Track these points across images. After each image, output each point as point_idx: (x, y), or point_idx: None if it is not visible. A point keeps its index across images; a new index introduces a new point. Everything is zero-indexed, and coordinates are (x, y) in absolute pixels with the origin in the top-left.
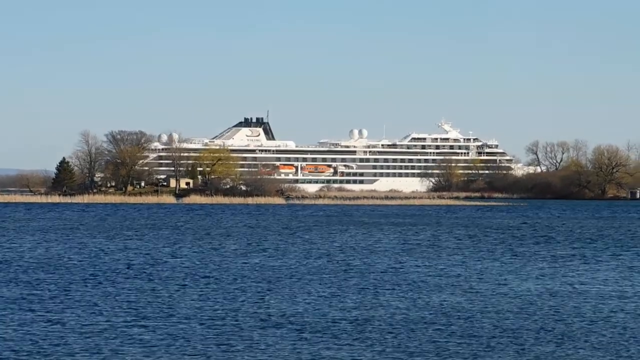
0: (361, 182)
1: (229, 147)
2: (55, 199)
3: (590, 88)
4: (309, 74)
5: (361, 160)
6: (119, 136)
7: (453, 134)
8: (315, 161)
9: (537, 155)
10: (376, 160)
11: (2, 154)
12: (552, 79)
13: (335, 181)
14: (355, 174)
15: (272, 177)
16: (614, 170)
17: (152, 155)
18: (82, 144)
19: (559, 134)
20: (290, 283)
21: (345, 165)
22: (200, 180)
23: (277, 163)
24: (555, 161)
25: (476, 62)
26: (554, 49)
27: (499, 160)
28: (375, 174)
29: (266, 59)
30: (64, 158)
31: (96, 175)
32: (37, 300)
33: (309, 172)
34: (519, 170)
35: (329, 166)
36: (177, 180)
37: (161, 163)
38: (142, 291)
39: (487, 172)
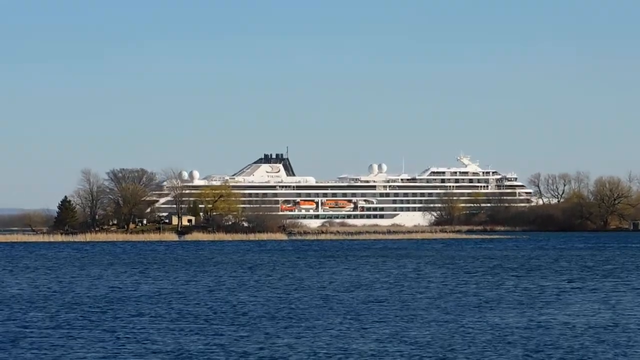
0: (381, 216)
1: (250, 184)
2: (57, 237)
3: (591, 119)
4: (328, 109)
5: (381, 195)
6: (120, 174)
7: (472, 167)
8: (336, 196)
9: (539, 187)
10: (396, 194)
11: (4, 193)
12: (553, 111)
13: (355, 216)
14: (375, 209)
15: (293, 212)
16: (616, 201)
17: (173, 193)
18: (84, 183)
19: (560, 165)
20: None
21: (365, 200)
22: (202, 217)
23: (298, 199)
24: (557, 193)
25: (490, 96)
26: (557, 80)
27: (519, 192)
28: (395, 209)
29: (285, 95)
30: (65, 197)
31: (98, 213)
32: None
33: (329, 207)
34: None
35: (349, 201)
36: (179, 218)
37: (182, 200)
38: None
39: (489, 205)
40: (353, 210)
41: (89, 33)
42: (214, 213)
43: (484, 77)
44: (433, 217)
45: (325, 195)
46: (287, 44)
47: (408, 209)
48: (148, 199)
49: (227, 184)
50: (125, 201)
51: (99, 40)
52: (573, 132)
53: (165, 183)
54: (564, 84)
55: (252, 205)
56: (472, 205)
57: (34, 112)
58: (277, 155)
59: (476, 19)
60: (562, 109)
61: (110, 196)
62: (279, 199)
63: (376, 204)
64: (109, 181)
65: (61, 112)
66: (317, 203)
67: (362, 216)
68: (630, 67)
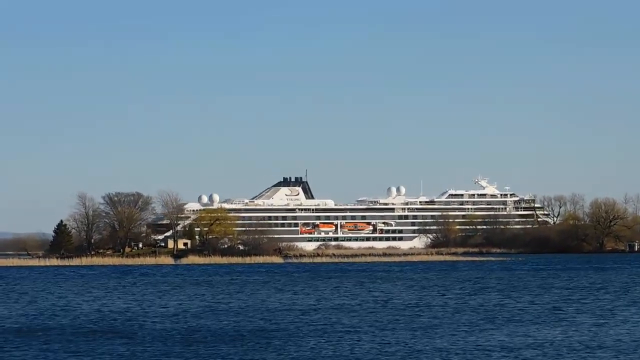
0: (400, 239)
1: (270, 207)
2: (53, 261)
3: (586, 141)
4: (346, 132)
5: (400, 217)
6: (115, 198)
7: (490, 189)
8: (355, 219)
9: (534, 209)
10: (415, 217)
11: None
12: (549, 133)
13: (374, 238)
14: (394, 231)
15: (309, 234)
16: (612, 223)
17: (193, 217)
18: (79, 206)
19: (555, 187)
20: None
21: (384, 223)
22: (198, 240)
23: (317, 222)
24: (552, 215)
25: (505, 118)
26: (553, 103)
27: (536, 214)
28: (414, 231)
29: (303, 119)
30: (61, 221)
31: (94, 237)
32: None
33: (348, 230)
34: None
35: (369, 224)
36: (175, 241)
37: (200, 224)
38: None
39: (484, 227)
40: (372, 233)
41: (89, 53)
42: (210, 236)
43: (500, 100)
44: (429, 240)
45: (344, 218)
46: (305, 67)
47: (427, 232)
48: (166, 222)
49: (247, 207)
50: (121, 225)
51: (102, 58)
52: (568, 153)
53: (193, 206)
54: (560, 102)
55: (271, 228)
56: (468, 227)
57: (28, 135)
58: (296, 178)
59: (488, 42)
60: (558, 131)
61: (106, 220)
62: (299, 221)
63: (395, 226)
64: (104, 205)
65: (60, 134)
66: (336, 226)
67: (380, 239)
68: (628, 90)
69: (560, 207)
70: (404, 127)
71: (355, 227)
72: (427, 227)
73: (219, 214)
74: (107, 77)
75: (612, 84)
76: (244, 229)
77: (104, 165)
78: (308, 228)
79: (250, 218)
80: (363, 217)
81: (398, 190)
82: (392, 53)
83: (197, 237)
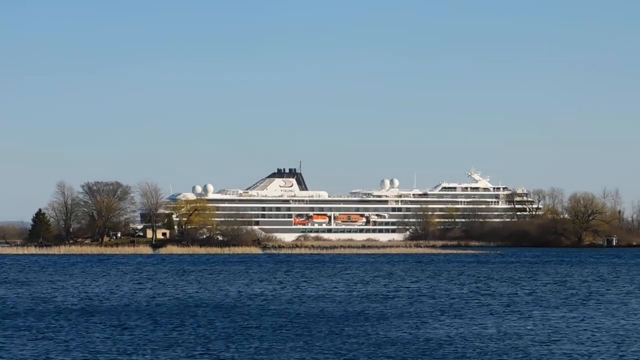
0: (393, 231)
1: (264, 198)
2: (32, 250)
3: (566, 136)
4: (340, 124)
5: (393, 209)
6: (94, 187)
7: (483, 183)
8: (348, 211)
9: (513, 203)
10: (408, 209)
11: None
12: (529, 128)
13: (368, 230)
14: (387, 223)
15: (302, 225)
16: (590, 217)
17: (187, 207)
18: (58, 195)
19: (535, 181)
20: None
21: (377, 215)
22: (176, 230)
23: (311, 213)
24: (531, 209)
25: (499, 112)
26: (535, 97)
27: (529, 208)
28: (405, 223)
29: (297, 110)
30: (40, 209)
31: (72, 226)
32: None
33: (342, 221)
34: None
35: (362, 216)
36: (154, 231)
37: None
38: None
39: (463, 220)
40: (365, 225)
41: (72, 40)
42: (189, 226)
43: (494, 92)
44: (408, 233)
45: (338, 209)
46: (299, 60)
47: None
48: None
49: (241, 198)
50: (99, 214)
51: (87, 47)
52: (548, 147)
53: (186, 196)
54: (551, 98)
55: (266, 219)
56: (447, 220)
57: (7, 122)
58: (290, 169)
59: (479, 37)
60: (536, 125)
61: (85, 209)
62: (292, 213)
63: (388, 218)
64: (83, 194)
65: (44, 122)
66: (329, 217)
67: (374, 230)
68: (609, 86)
69: (539, 201)
70: (398, 120)
71: (349, 219)
72: (410, 220)
73: (198, 204)
74: (96, 66)
75: (599, 81)
76: (236, 219)
77: (89, 155)
78: (302, 219)
79: (244, 209)
80: (357, 209)
81: (392, 182)
82: (385, 46)
83: (175, 227)
